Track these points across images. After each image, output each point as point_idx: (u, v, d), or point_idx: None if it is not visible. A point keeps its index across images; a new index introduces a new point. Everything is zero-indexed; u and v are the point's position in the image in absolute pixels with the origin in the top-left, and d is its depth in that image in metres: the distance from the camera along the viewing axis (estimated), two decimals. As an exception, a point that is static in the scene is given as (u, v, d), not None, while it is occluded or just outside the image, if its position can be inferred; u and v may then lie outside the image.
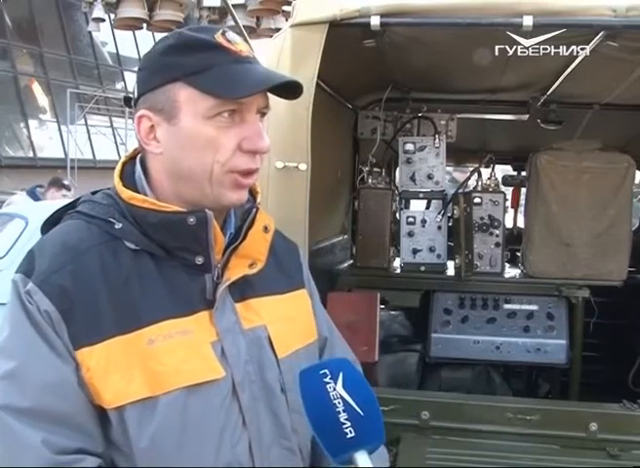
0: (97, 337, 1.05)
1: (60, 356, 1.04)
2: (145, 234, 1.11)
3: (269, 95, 1.15)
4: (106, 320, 1.06)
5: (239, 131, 1.10)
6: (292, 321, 1.24)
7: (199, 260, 1.12)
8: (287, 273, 1.29)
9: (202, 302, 1.13)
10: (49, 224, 1.18)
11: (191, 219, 1.10)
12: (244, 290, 1.18)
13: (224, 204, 1.13)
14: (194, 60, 1.09)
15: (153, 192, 1.15)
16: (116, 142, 18.81)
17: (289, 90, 1.16)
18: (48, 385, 1.03)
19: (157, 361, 1.06)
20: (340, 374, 1.00)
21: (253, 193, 1.24)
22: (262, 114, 1.15)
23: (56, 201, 7.35)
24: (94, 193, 1.20)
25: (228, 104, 1.08)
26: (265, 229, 1.20)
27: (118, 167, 1.20)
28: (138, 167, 1.18)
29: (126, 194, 1.13)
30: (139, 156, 1.20)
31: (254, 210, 1.20)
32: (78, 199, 1.20)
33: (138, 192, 1.14)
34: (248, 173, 1.13)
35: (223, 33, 1.11)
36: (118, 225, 1.11)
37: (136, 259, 1.10)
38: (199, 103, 1.08)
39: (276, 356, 1.17)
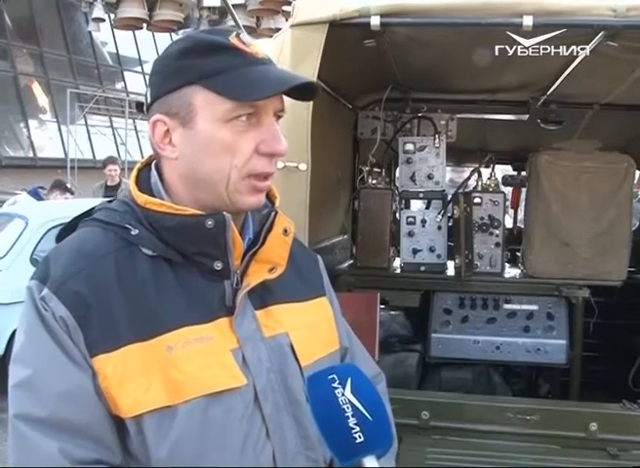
0: (113, 344, 1.02)
1: (77, 364, 1.01)
2: (162, 240, 1.09)
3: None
4: (123, 326, 1.03)
5: (256, 134, 1.08)
6: (314, 329, 1.21)
7: (218, 266, 1.10)
8: (307, 280, 1.26)
9: (221, 309, 1.10)
10: (66, 232, 1.16)
11: (209, 223, 1.08)
12: (264, 297, 1.15)
13: (242, 208, 1.11)
14: (211, 63, 1.07)
15: (170, 197, 1.13)
16: (116, 142, 18.79)
17: (303, 91, 1.14)
18: (64, 394, 1.00)
19: (176, 368, 1.03)
20: (349, 380, 0.99)
21: (270, 197, 1.22)
22: (278, 117, 1.13)
23: (57, 200, 7.37)
24: (110, 201, 1.18)
25: (246, 107, 1.06)
26: (285, 232, 1.17)
27: (133, 173, 1.18)
28: (154, 172, 1.15)
29: (142, 199, 1.11)
30: (154, 162, 1.17)
31: (272, 213, 1.18)
32: (94, 207, 1.18)
33: (154, 197, 1.12)
34: (264, 176, 1.11)
35: (237, 35, 1.09)
36: (134, 231, 1.09)
37: (152, 266, 1.08)
38: (216, 107, 1.06)
39: (299, 364, 1.14)
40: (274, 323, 1.15)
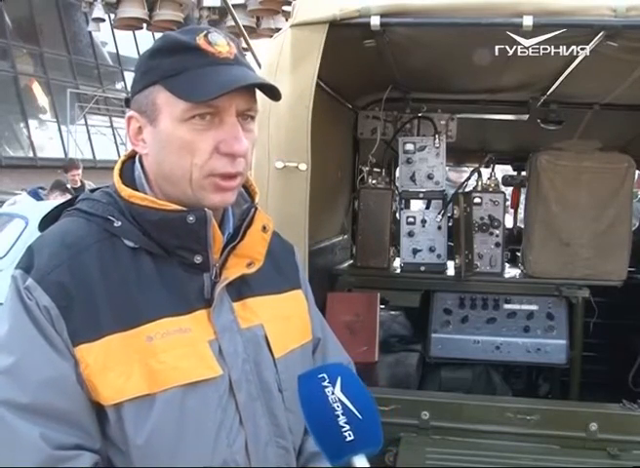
0: (95, 334, 1.05)
1: (60, 352, 1.05)
2: (144, 232, 1.12)
3: (263, 97, 1.15)
4: (105, 317, 1.06)
5: (217, 133, 1.10)
6: (288, 320, 1.25)
7: (197, 259, 1.13)
8: (283, 273, 1.30)
9: (200, 301, 1.13)
10: (47, 221, 1.19)
11: (191, 218, 1.11)
12: (241, 289, 1.19)
13: (207, 206, 1.13)
14: (170, 63, 1.10)
15: (152, 191, 1.17)
16: (116, 142, 18.81)
17: (271, 91, 1.16)
18: (47, 381, 1.03)
19: (155, 358, 1.07)
20: (339, 379, 1.01)
21: (251, 193, 1.25)
22: (250, 117, 1.14)
23: (57, 200, 7.37)
24: (92, 191, 1.21)
25: (201, 107, 1.09)
26: (264, 229, 1.20)
27: (118, 165, 1.21)
28: (137, 165, 1.19)
29: (126, 192, 1.15)
30: (138, 155, 1.21)
31: (252, 209, 1.20)
32: (76, 197, 1.21)
33: (137, 190, 1.16)
34: (228, 176, 1.12)
35: (206, 34, 1.11)
36: (117, 223, 1.12)
37: (134, 257, 1.12)
38: (174, 107, 1.10)
39: (273, 355, 1.18)
40: (250, 314, 1.18)
